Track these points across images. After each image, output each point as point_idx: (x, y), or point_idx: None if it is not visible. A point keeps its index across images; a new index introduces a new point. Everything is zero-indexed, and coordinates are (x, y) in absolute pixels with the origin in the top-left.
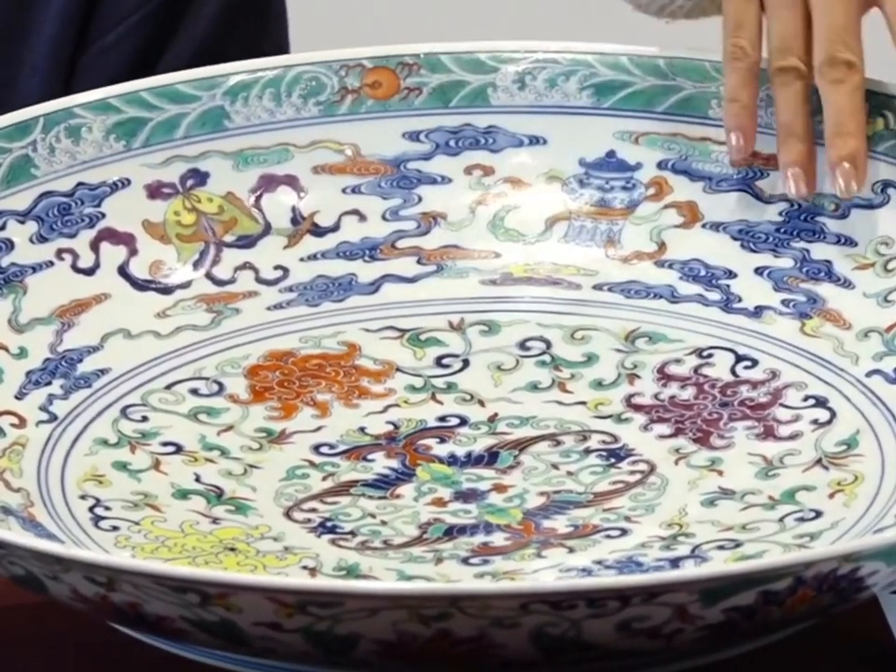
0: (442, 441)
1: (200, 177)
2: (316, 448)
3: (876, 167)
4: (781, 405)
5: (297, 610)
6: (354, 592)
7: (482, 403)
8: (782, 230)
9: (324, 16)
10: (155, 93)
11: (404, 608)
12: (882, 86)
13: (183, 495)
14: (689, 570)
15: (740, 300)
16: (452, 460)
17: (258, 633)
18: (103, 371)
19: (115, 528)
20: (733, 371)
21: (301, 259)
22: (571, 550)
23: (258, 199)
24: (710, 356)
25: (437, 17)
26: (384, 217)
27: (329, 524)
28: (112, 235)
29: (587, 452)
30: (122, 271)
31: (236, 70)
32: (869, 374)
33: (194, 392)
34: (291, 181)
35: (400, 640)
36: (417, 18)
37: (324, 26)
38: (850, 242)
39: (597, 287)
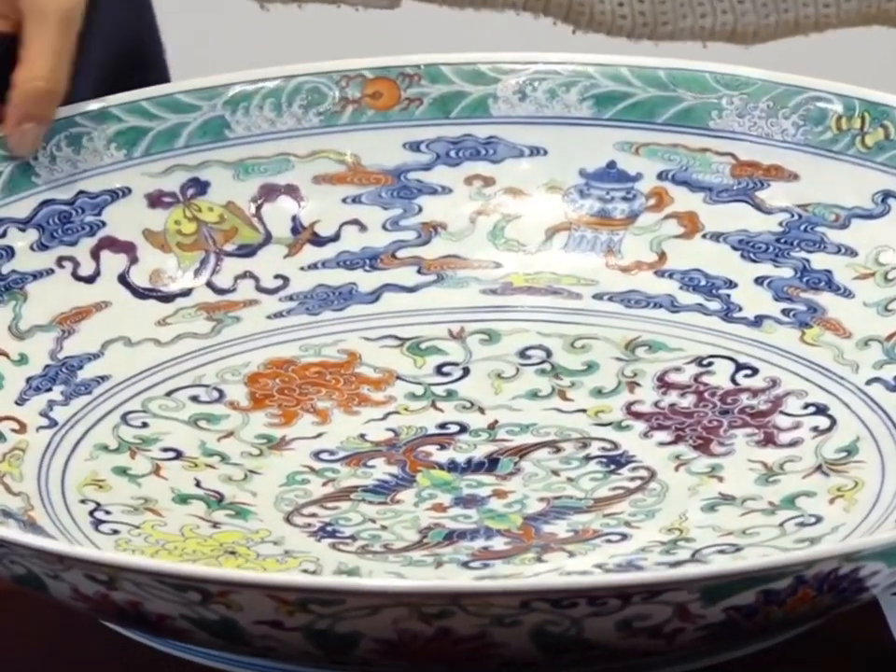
0: (443, 447)
1: (200, 187)
2: (317, 454)
3: (877, 177)
4: (781, 413)
5: (298, 608)
6: (355, 589)
7: (482, 411)
8: (782, 240)
9: (324, 27)
10: (156, 103)
11: (405, 605)
12: (881, 97)
13: (183, 499)
14: (690, 569)
15: (740, 309)
16: (452, 466)
17: (258, 632)
18: (103, 378)
19: (115, 532)
20: (733, 380)
21: (302, 269)
22: (571, 554)
23: (258, 208)
24: (710, 364)
25: (438, 28)
26: (384, 227)
27: (329, 528)
28: (113, 244)
29: (587, 458)
30: (123, 279)
31: (237, 80)
32: (869, 382)
33: (194, 399)
34: (292, 191)
35: (401, 639)
36: (418, 29)
37: (325, 37)
38: (851, 252)
39: (597, 297)
